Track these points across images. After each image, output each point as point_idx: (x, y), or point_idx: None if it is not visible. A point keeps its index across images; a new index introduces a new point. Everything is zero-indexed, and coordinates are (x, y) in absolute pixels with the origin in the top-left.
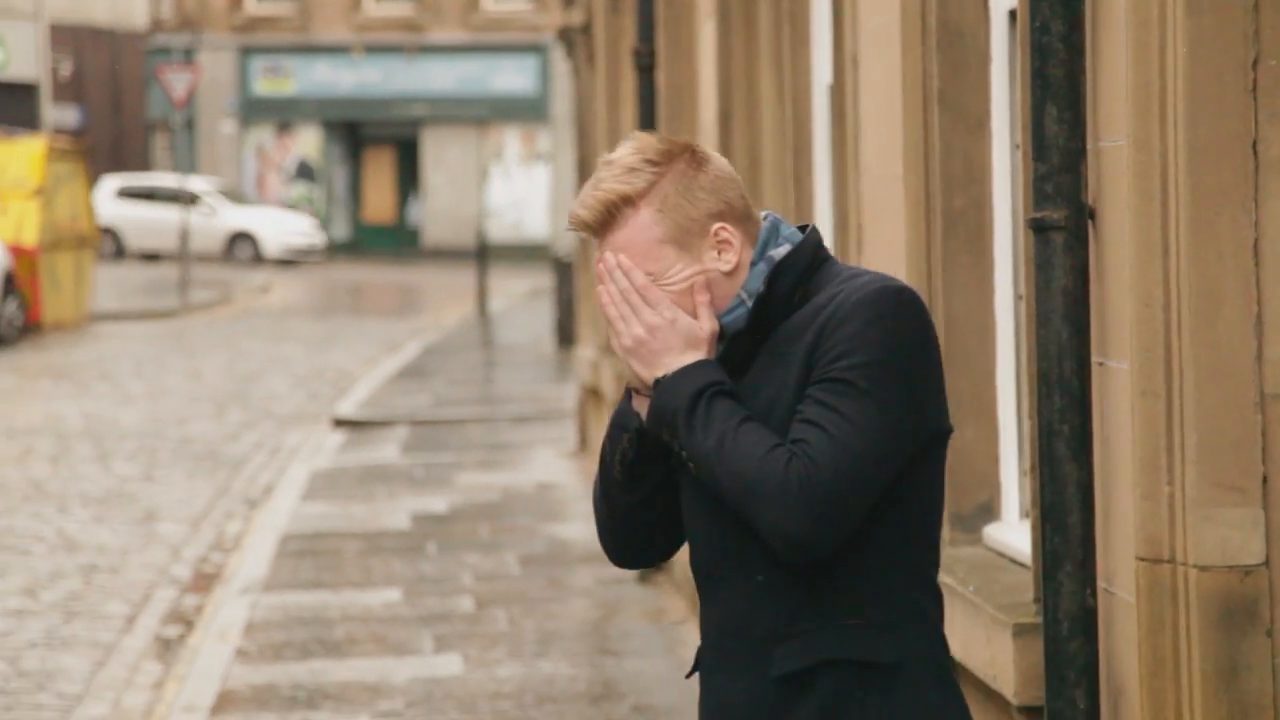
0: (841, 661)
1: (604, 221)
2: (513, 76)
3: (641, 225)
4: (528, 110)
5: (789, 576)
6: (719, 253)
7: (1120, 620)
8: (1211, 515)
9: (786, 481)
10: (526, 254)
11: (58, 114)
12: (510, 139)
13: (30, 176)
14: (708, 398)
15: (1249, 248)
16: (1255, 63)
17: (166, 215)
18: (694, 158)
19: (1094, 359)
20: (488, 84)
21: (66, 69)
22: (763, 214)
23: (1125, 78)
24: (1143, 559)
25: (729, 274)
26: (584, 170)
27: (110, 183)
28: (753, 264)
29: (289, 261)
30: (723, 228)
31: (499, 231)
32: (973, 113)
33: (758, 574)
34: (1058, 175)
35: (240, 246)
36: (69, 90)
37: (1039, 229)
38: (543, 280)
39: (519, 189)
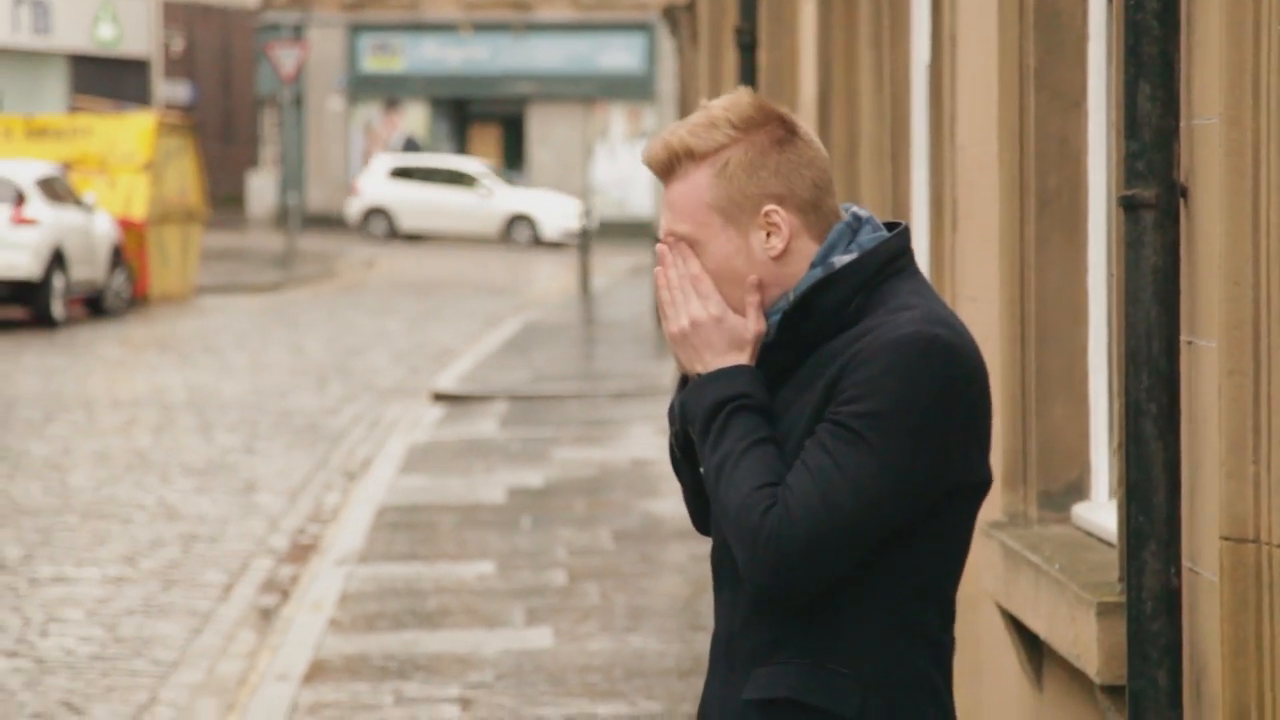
0: (806, 705)
1: (666, 168)
2: (619, 54)
3: (696, 184)
4: (633, 88)
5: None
6: (767, 235)
7: (1204, 600)
8: None
9: (759, 528)
10: (630, 231)
11: (169, 89)
12: (616, 117)
13: (140, 151)
14: (728, 412)
15: None
16: None
17: (439, 196)
18: (779, 132)
19: (1183, 338)
20: (594, 62)
21: (178, 45)
22: (849, 209)
23: (1219, 55)
24: (1227, 538)
25: (778, 261)
26: None
27: (382, 162)
28: (813, 264)
29: (559, 244)
30: (774, 210)
31: (603, 209)
32: (1068, 92)
33: (746, 593)
34: (1150, 153)
35: (518, 229)
36: (180, 66)
37: (1130, 207)
38: (645, 258)
39: (624, 167)
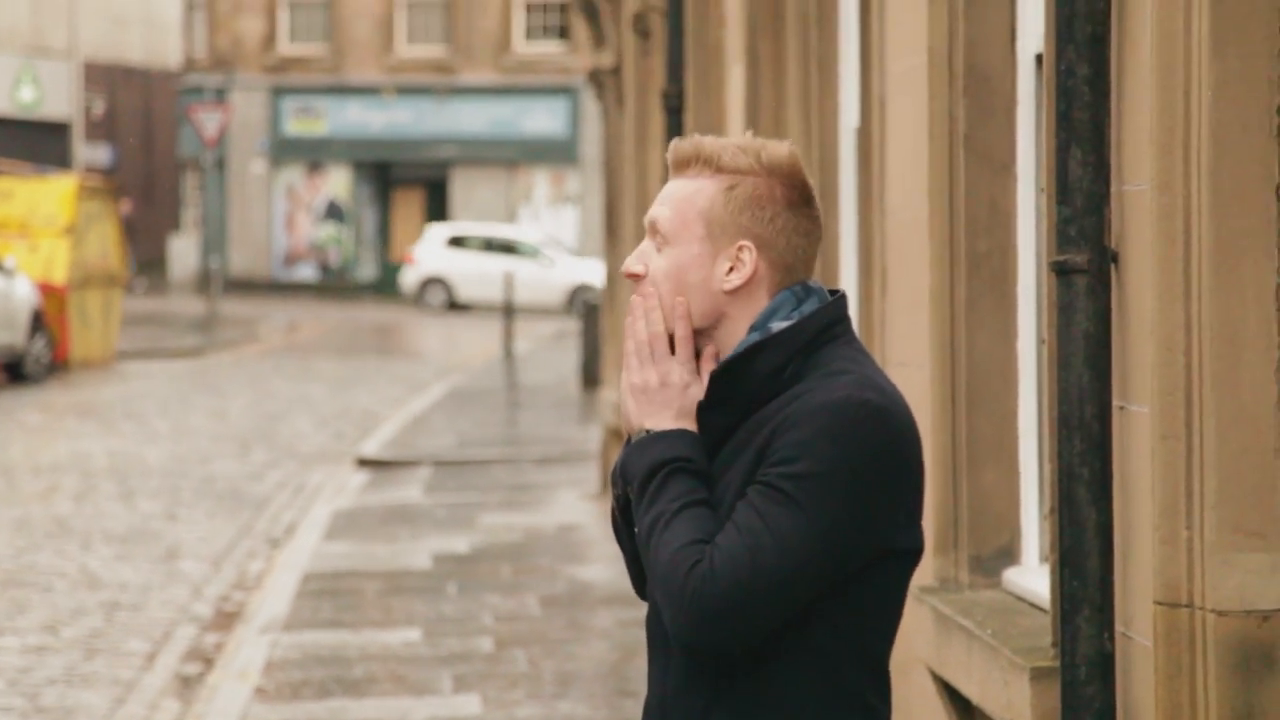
0: None
1: (685, 162)
2: (543, 118)
3: (701, 189)
4: (557, 152)
5: (707, 670)
6: (730, 268)
7: (1138, 665)
8: (1230, 560)
9: (684, 585)
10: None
11: (90, 152)
12: (540, 180)
13: (61, 215)
14: (665, 473)
15: (1271, 292)
16: (1279, 108)
17: (497, 265)
18: (796, 194)
19: (1115, 403)
20: (518, 126)
21: (99, 108)
22: (806, 284)
23: (1149, 122)
24: (1161, 603)
25: (729, 297)
26: (612, 211)
27: (439, 231)
28: (752, 328)
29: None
30: (748, 247)
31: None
32: (998, 156)
33: (678, 659)
34: (1081, 218)
35: (580, 298)
36: (101, 129)
37: (1062, 272)
38: (569, 323)
39: (547, 231)
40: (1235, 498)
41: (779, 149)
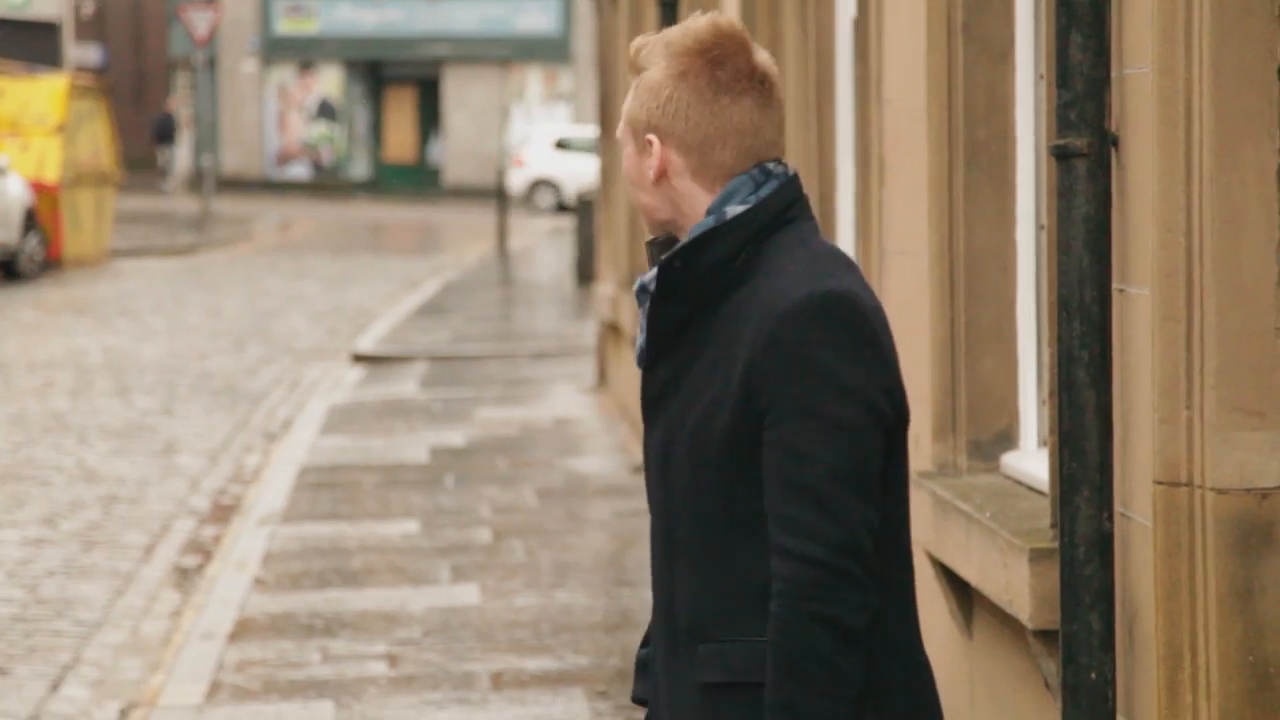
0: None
1: (629, 68)
2: (534, 17)
3: (630, 94)
4: (550, 50)
5: (729, 563)
6: (646, 159)
7: (1137, 544)
8: (1230, 439)
9: (816, 606)
10: None
11: (80, 53)
12: (532, 79)
13: (52, 114)
14: None
15: (1272, 174)
16: None
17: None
18: (703, 71)
19: (1115, 286)
20: (510, 24)
21: (89, 7)
22: (767, 165)
23: (1150, 5)
24: (1160, 482)
25: (659, 187)
26: (605, 109)
27: (547, 133)
28: (708, 212)
29: None
30: (651, 140)
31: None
32: (996, 44)
33: (686, 559)
34: (1081, 103)
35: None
36: (91, 29)
37: (1062, 156)
38: (564, 219)
39: (540, 129)
40: (1235, 377)
41: (693, 23)
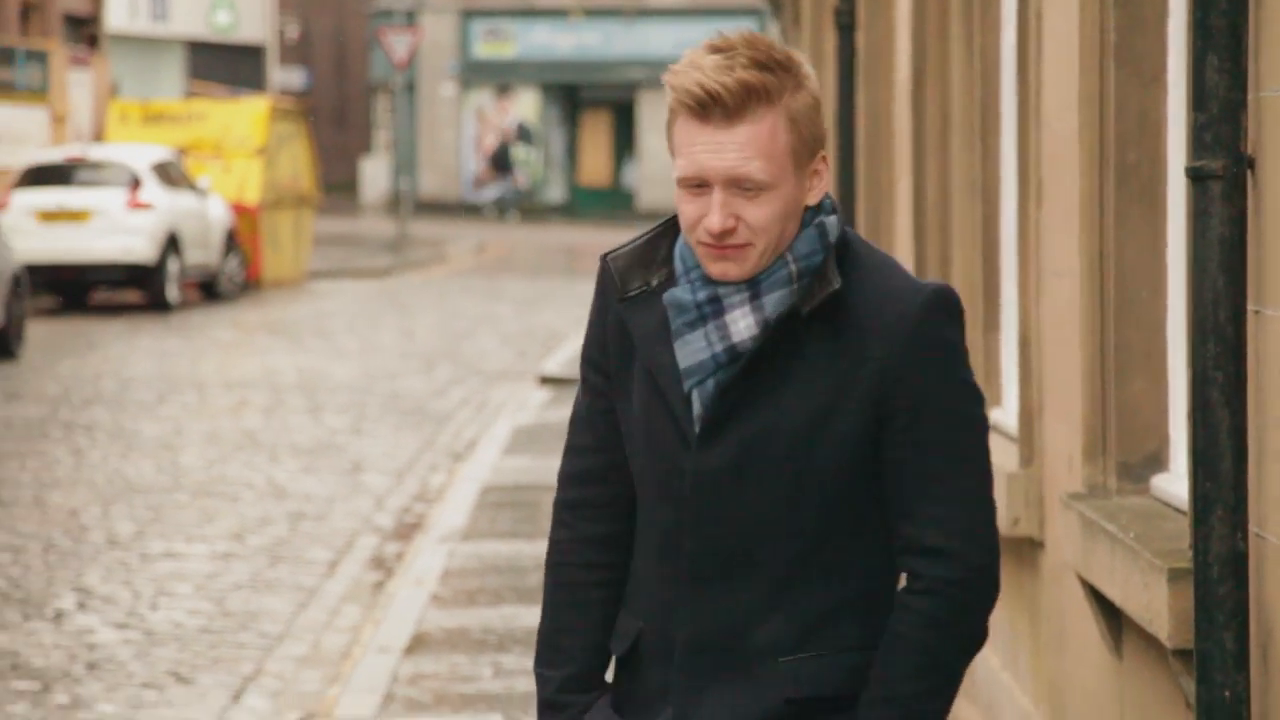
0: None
1: (738, 106)
2: None
3: (770, 125)
4: None
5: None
6: (811, 185)
7: (1271, 564)
8: None
9: (971, 602)
10: None
11: (284, 76)
12: None
13: (254, 136)
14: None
15: None
16: None
17: None
18: (806, 73)
19: (1250, 307)
20: None
21: (293, 31)
22: None
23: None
24: None
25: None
26: None
27: None
28: (804, 224)
29: None
30: (823, 155)
31: None
32: (1148, 67)
33: (762, 574)
34: (1217, 125)
35: None
36: (295, 52)
37: (1197, 178)
38: None
39: None
40: None
41: (767, 41)
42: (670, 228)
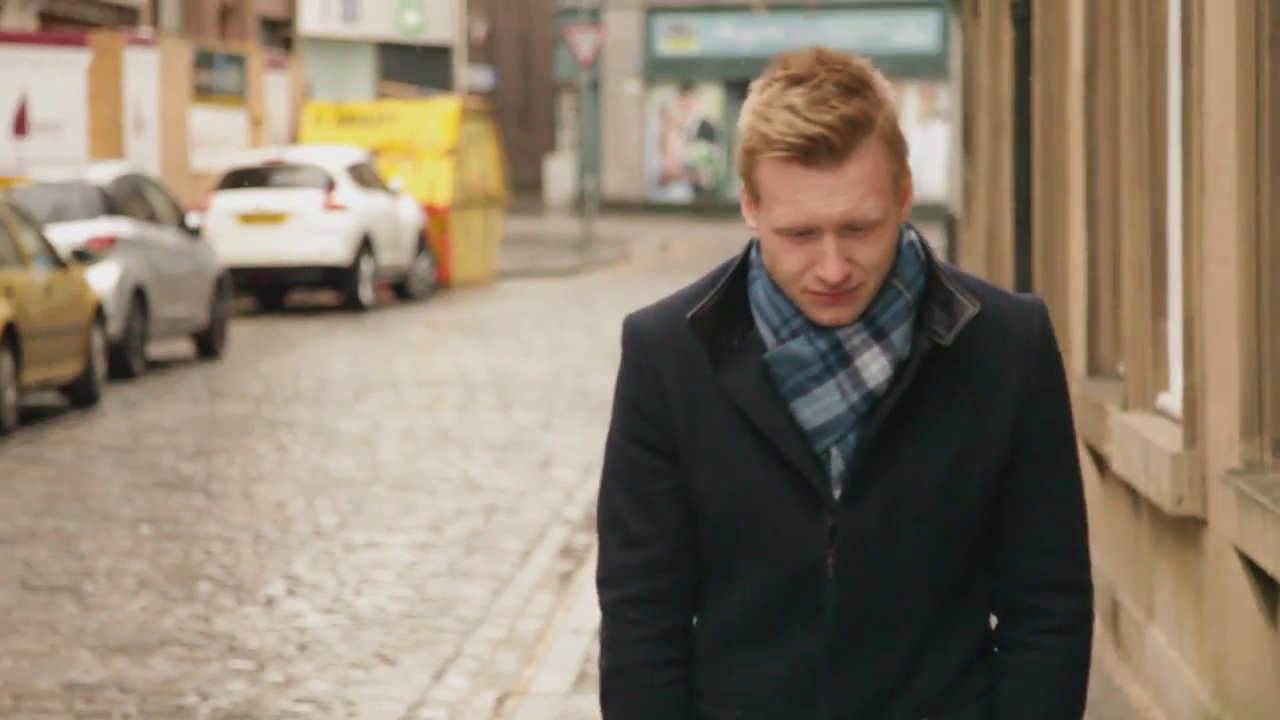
0: None
1: (846, 143)
2: (913, 34)
3: (874, 159)
4: (927, 67)
5: (952, 626)
6: (902, 201)
7: None
8: None
9: (1083, 633)
10: (924, 213)
11: (470, 75)
12: (909, 96)
13: (444, 137)
14: None
15: None
16: None
17: None
18: (881, 80)
19: None
20: (888, 41)
21: (480, 31)
22: None
23: None
24: None
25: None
26: (968, 125)
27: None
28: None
29: None
30: (908, 172)
31: None
32: None
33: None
34: None
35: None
36: (482, 52)
37: None
38: (934, 240)
39: (916, 147)
40: None
41: (851, 59)
42: (737, 278)
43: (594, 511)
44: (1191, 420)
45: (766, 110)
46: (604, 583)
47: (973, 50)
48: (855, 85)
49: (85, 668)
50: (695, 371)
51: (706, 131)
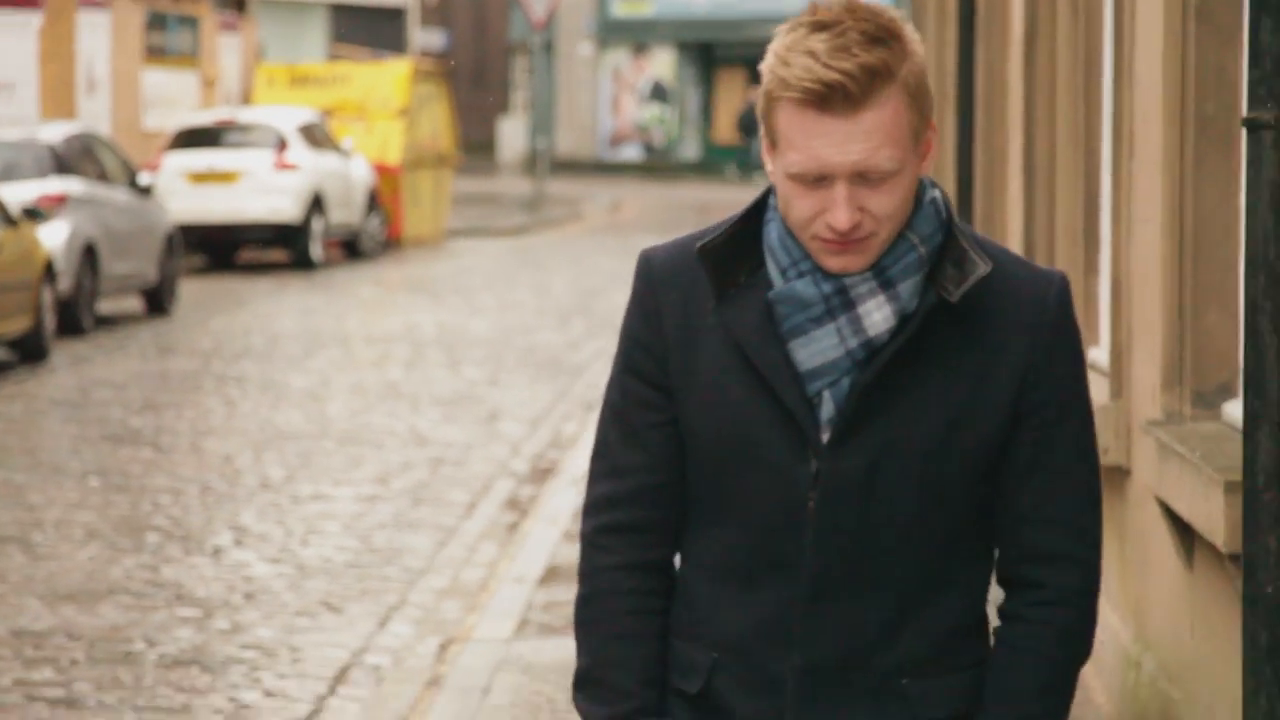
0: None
1: (863, 90)
2: None
3: (894, 109)
4: None
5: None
6: (924, 155)
7: None
8: None
9: (1086, 610)
10: None
11: (424, 37)
12: None
13: (396, 97)
14: None
15: None
16: None
17: None
18: (912, 35)
19: None
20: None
21: None
22: None
23: None
24: None
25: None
26: None
27: None
28: (917, 204)
29: None
30: (932, 125)
31: None
32: (1226, 25)
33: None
34: (1270, 79)
35: None
36: (435, 14)
37: (1251, 128)
38: None
39: None
40: None
41: (882, 10)
42: (751, 218)
43: (539, 465)
44: (1118, 373)
45: (787, 54)
46: (587, 510)
47: (920, 16)
48: (881, 35)
49: (34, 615)
50: (698, 307)
51: (659, 93)
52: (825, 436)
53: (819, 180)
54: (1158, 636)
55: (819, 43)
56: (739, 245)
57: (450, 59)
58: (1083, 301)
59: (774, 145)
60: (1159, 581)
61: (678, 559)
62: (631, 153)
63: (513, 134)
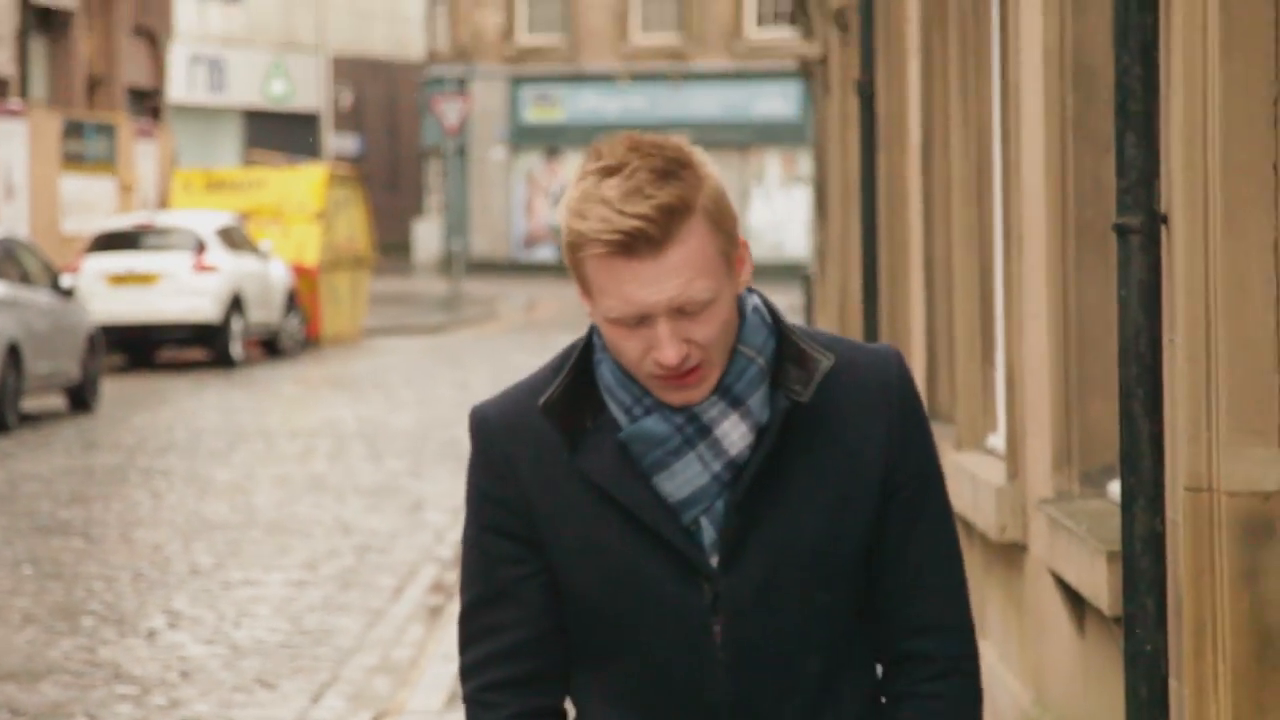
0: None
1: (662, 234)
2: (775, 101)
3: (697, 240)
4: (788, 134)
5: (835, 673)
6: (739, 273)
7: (1182, 543)
8: (1239, 454)
9: (973, 675)
10: (787, 273)
11: (338, 142)
12: (771, 162)
13: (311, 201)
14: None
15: (1271, 245)
16: (1276, 100)
17: None
18: (700, 158)
19: (1166, 337)
20: (749, 110)
21: (347, 99)
22: None
23: (1178, 112)
24: (1188, 489)
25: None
26: (820, 192)
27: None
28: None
29: None
30: (744, 243)
31: (760, 252)
32: (1100, 138)
33: (817, 675)
34: (1135, 189)
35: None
36: (349, 120)
37: (1121, 233)
38: (794, 297)
39: (779, 210)
40: (1242, 405)
41: (665, 141)
42: (582, 363)
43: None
44: (1013, 456)
45: (582, 206)
46: (466, 673)
47: (824, 123)
48: (671, 168)
49: None
50: (551, 457)
51: None
52: (714, 561)
53: (640, 321)
54: (1055, 697)
55: (610, 189)
56: (577, 393)
57: (364, 163)
58: (980, 390)
59: (588, 293)
60: (1055, 646)
61: (568, 704)
62: (546, 253)
63: (428, 236)
